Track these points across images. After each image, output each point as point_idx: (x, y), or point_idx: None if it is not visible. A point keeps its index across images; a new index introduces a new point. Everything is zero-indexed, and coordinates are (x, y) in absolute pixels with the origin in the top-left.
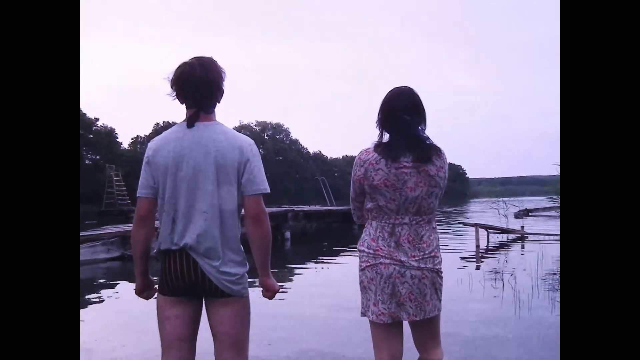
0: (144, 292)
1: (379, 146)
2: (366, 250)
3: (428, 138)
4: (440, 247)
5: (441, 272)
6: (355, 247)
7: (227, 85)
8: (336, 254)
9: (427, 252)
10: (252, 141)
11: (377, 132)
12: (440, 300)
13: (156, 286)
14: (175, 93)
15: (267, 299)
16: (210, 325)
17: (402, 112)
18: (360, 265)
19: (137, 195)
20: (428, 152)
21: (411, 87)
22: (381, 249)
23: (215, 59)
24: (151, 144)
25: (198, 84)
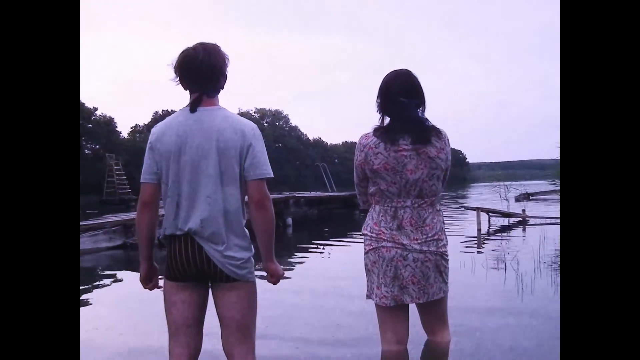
0: (148, 278)
1: (378, 130)
2: (369, 233)
3: (427, 120)
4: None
5: (446, 255)
6: (357, 232)
7: (229, 72)
8: (338, 239)
9: (430, 235)
10: (254, 125)
11: (377, 117)
12: (446, 283)
13: (161, 276)
14: (178, 78)
15: (271, 284)
16: (216, 311)
17: (398, 94)
18: (364, 249)
19: (141, 180)
20: (427, 133)
21: (409, 69)
22: (383, 232)
23: (218, 45)
24: (154, 130)
25: (201, 67)
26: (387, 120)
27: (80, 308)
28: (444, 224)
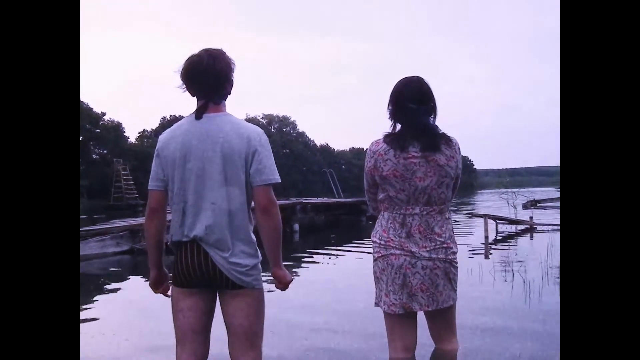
0: (158, 284)
1: (388, 137)
2: (378, 241)
3: (437, 127)
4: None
5: (455, 263)
6: (363, 239)
7: (235, 78)
8: (345, 245)
9: (439, 242)
10: (261, 131)
11: (384, 123)
12: (455, 291)
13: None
14: (185, 85)
15: (279, 290)
16: (223, 318)
17: (408, 100)
18: (373, 256)
19: (149, 187)
20: (436, 140)
21: (420, 76)
22: (392, 239)
23: (224, 50)
24: (161, 137)
25: (206, 74)
26: (398, 127)
27: (87, 313)
28: (454, 231)
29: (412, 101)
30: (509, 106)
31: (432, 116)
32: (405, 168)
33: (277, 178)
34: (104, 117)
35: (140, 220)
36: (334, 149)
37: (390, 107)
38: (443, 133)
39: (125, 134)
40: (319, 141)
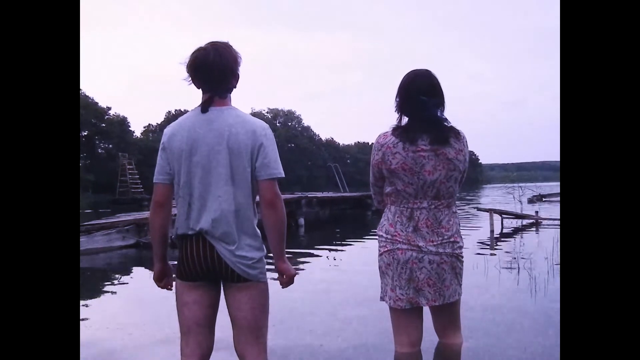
0: (162, 278)
1: (396, 129)
2: (384, 235)
3: (446, 120)
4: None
5: (462, 257)
6: (368, 233)
7: (241, 72)
8: (350, 240)
9: (446, 236)
10: (266, 125)
11: (389, 117)
12: (460, 285)
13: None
14: (190, 78)
15: (280, 284)
16: (228, 311)
17: (418, 93)
18: (379, 250)
19: (154, 181)
20: (445, 134)
21: (429, 69)
22: (399, 234)
23: (230, 44)
24: (166, 130)
25: (212, 68)
26: (405, 119)
27: (93, 307)
28: (460, 225)
29: (421, 94)
30: (514, 101)
31: (441, 109)
32: (414, 161)
33: (281, 172)
34: (109, 112)
35: (145, 214)
36: (339, 144)
37: (398, 100)
38: (452, 126)
39: (130, 129)
40: (324, 136)
